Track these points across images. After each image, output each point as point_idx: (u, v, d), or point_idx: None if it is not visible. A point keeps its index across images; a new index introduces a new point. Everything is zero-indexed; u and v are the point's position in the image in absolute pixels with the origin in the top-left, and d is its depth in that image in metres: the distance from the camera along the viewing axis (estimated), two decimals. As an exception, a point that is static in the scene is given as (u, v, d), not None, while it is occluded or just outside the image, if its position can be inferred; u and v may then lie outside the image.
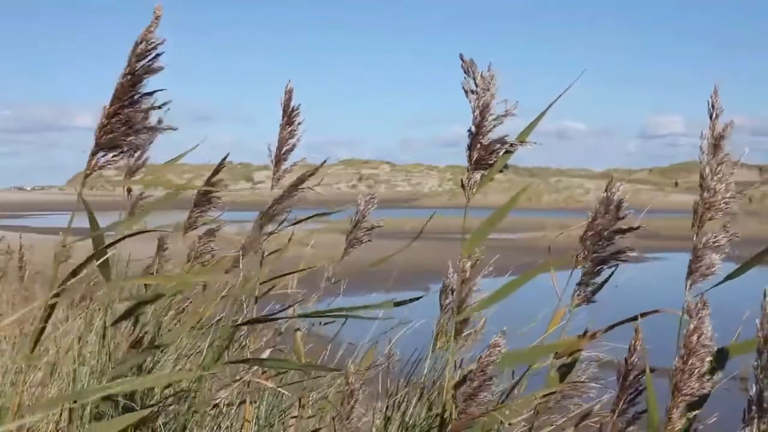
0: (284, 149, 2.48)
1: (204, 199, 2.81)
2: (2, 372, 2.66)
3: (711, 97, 1.73)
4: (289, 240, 2.68)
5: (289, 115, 2.46)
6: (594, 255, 1.97)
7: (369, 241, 2.69)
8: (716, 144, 1.72)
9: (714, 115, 1.73)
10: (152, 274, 3.06)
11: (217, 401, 2.39)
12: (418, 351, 2.72)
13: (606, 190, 2.15)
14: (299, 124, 2.46)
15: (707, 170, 1.72)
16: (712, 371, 1.59)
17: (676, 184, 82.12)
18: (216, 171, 2.69)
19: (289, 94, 2.44)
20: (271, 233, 2.53)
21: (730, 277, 1.75)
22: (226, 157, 2.73)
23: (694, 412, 1.63)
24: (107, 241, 1.80)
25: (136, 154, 2.68)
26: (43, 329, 1.63)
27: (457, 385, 1.91)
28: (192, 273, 2.51)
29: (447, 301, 2.70)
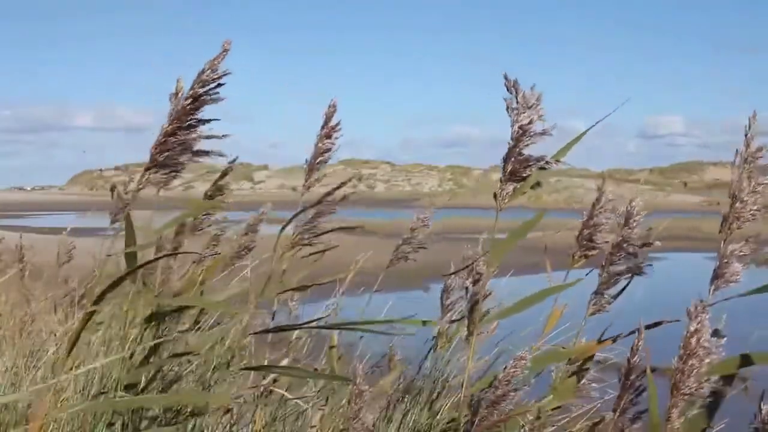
0: (318, 159, 2.53)
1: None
2: (2, 372, 2.65)
3: (749, 120, 1.87)
4: (324, 251, 2.70)
5: (330, 129, 2.50)
6: (611, 266, 2.03)
7: (414, 260, 2.78)
8: (753, 162, 1.87)
9: (749, 135, 1.88)
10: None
11: (231, 407, 2.39)
12: (420, 351, 2.72)
13: (599, 189, 2.16)
14: (337, 138, 2.51)
15: (744, 185, 1.84)
16: (724, 377, 1.61)
17: (685, 184, 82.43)
18: (222, 175, 2.70)
19: (333, 108, 2.50)
20: (306, 244, 2.58)
21: (759, 290, 1.79)
22: (234, 161, 2.74)
23: (697, 410, 1.63)
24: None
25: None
26: (79, 335, 1.64)
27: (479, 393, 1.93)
28: (203, 275, 2.50)
29: (448, 301, 2.70)
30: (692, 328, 1.58)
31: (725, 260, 1.82)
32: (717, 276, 1.82)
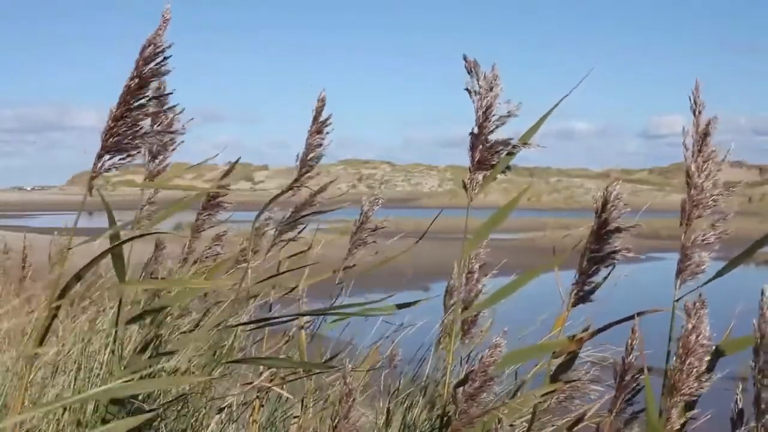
0: (310, 155, 2.48)
1: (212, 203, 2.81)
2: (2, 371, 2.65)
3: (693, 93, 1.66)
4: (309, 248, 2.68)
5: (320, 124, 2.44)
6: (591, 255, 1.93)
7: (374, 242, 2.69)
8: (701, 140, 1.67)
9: (697, 111, 1.66)
10: (152, 274, 3.05)
11: (225, 405, 2.39)
12: (421, 351, 2.71)
13: (606, 190, 2.12)
14: (328, 133, 2.45)
15: (693, 168, 1.67)
16: (708, 370, 1.58)
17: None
18: (226, 173, 2.68)
19: (322, 102, 2.43)
20: (290, 240, 2.55)
21: (719, 274, 1.71)
22: (238, 161, 2.72)
23: (691, 412, 1.62)
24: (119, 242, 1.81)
25: (158, 159, 2.56)
26: (48, 329, 1.63)
27: (458, 385, 1.90)
28: (195, 276, 2.51)
29: (452, 302, 2.69)
30: (690, 326, 1.54)
31: (686, 252, 1.69)
32: (681, 269, 1.69)
